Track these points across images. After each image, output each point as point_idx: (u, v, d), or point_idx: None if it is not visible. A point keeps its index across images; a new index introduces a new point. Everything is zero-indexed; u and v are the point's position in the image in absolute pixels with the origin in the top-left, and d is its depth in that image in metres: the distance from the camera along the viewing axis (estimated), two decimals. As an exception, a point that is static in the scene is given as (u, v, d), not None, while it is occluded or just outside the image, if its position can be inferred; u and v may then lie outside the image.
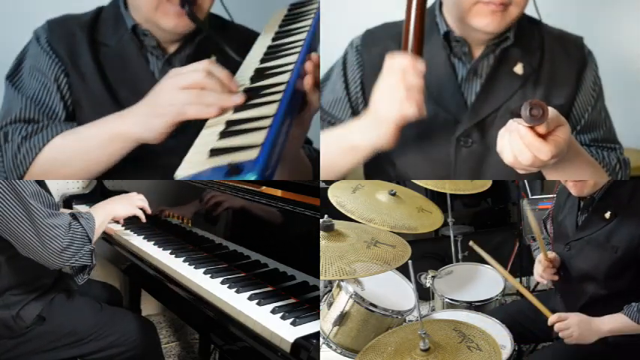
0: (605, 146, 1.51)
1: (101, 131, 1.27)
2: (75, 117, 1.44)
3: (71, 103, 1.42)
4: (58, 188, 2.46)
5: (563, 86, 1.46)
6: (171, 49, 1.47)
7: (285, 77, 1.21)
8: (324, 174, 1.41)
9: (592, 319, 1.44)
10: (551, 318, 1.44)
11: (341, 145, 1.36)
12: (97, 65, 1.40)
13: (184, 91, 1.14)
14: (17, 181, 1.34)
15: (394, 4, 1.76)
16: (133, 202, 1.73)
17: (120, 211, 1.68)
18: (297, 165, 1.39)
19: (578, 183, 1.48)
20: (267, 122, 1.07)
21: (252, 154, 1.00)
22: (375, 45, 1.52)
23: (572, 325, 1.42)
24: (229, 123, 1.12)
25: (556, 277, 1.60)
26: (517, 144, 1.12)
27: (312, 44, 1.34)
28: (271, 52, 1.36)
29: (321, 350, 1.46)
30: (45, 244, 1.35)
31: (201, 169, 1.01)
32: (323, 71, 1.60)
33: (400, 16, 1.56)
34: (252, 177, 0.96)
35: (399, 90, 1.23)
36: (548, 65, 1.46)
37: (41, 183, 1.48)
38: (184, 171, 1.03)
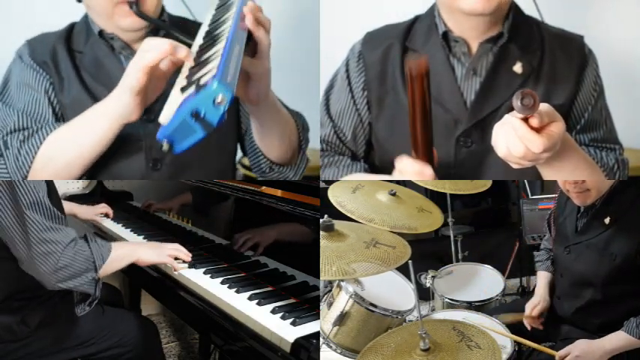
0: (605, 146, 1.51)
1: (87, 115, 1.33)
2: (64, 120, 1.47)
3: (59, 108, 1.47)
4: (58, 188, 2.46)
5: (564, 85, 1.46)
6: (138, 46, 1.48)
7: (228, 25, 1.23)
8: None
9: (593, 342, 1.44)
10: (556, 358, 1.46)
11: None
12: (75, 70, 1.47)
13: (133, 64, 1.21)
14: (19, 187, 1.31)
15: (395, 5, 1.76)
16: (162, 252, 1.58)
17: (144, 256, 1.54)
18: (274, 112, 1.40)
19: (581, 194, 1.48)
20: (219, 53, 1.11)
21: (212, 73, 1.04)
22: (377, 47, 1.52)
23: (576, 356, 1.43)
24: (190, 69, 1.17)
25: (541, 327, 1.64)
26: (510, 136, 1.13)
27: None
28: (219, 11, 1.39)
29: (321, 350, 1.46)
30: (35, 259, 1.29)
31: (176, 105, 1.06)
32: (324, 70, 1.60)
33: (400, 17, 1.57)
34: (215, 85, 0.99)
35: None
36: (548, 64, 1.45)
37: (51, 190, 1.43)
38: (165, 114, 1.08)
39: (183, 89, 1.11)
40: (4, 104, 1.45)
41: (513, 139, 1.12)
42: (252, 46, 1.24)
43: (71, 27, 1.55)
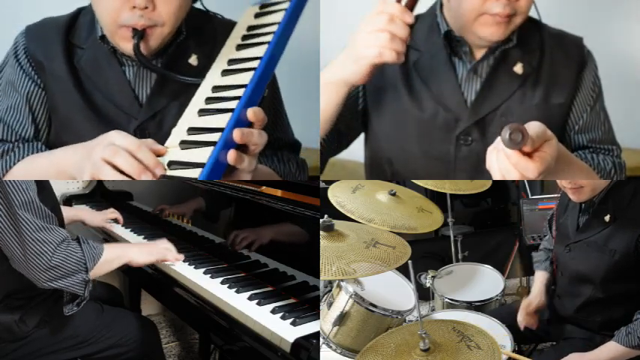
0: (602, 148, 1.51)
1: (50, 165, 1.31)
2: (50, 127, 1.45)
3: (43, 116, 1.43)
4: (58, 188, 2.47)
5: (563, 86, 1.46)
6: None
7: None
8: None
9: (585, 355, 1.44)
10: None
11: (322, 83, 1.38)
12: (71, 69, 1.41)
13: (106, 150, 1.12)
14: (10, 187, 1.31)
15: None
16: (155, 252, 1.60)
17: (137, 258, 1.54)
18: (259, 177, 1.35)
19: (576, 190, 1.49)
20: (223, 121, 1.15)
21: (206, 154, 1.13)
22: None
23: None
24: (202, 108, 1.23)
25: (534, 326, 1.65)
26: (504, 163, 1.11)
27: (252, 95, 1.23)
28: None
29: (321, 350, 1.46)
30: (28, 258, 1.30)
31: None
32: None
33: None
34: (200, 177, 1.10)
35: (383, 35, 1.23)
36: (548, 65, 1.46)
37: (43, 187, 1.42)
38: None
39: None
40: None
41: (507, 166, 1.11)
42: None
43: (76, 15, 1.47)
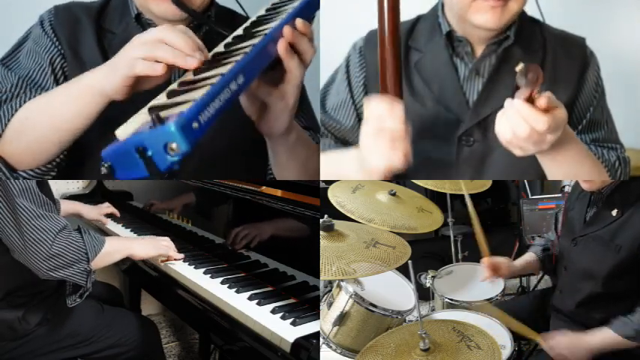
0: (606, 146, 1.51)
1: (71, 86, 1.22)
2: None
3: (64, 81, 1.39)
4: (58, 188, 2.47)
5: (565, 86, 1.46)
6: None
7: (256, 40, 1.08)
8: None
9: (580, 336, 1.45)
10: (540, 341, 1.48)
11: (335, 171, 1.38)
12: (102, 51, 1.39)
13: (142, 46, 1.07)
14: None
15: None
16: (156, 245, 1.62)
17: (139, 250, 1.55)
18: (291, 149, 1.27)
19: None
20: (214, 80, 0.95)
21: (183, 108, 0.88)
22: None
23: (561, 348, 1.44)
24: (182, 83, 1.03)
25: (487, 279, 1.74)
26: (514, 118, 1.13)
27: (302, 11, 1.15)
28: (257, 21, 1.25)
29: (321, 350, 1.46)
30: (28, 247, 1.28)
31: (138, 125, 0.92)
32: (324, 72, 1.60)
33: (403, 16, 1.57)
34: (172, 128, 0.82)
35: (382, 140, 1.19)
36: (550, 65, 1.46)
37: (44, 184, 1.42)
38: (124, 128, 0.93)
39: (152, 109, 0.96)
40: (6, 68, 1.37)
41: (517, 120, 1.13)
42: (279, 72, 1.11)
43: (107, 1, 1.46)
